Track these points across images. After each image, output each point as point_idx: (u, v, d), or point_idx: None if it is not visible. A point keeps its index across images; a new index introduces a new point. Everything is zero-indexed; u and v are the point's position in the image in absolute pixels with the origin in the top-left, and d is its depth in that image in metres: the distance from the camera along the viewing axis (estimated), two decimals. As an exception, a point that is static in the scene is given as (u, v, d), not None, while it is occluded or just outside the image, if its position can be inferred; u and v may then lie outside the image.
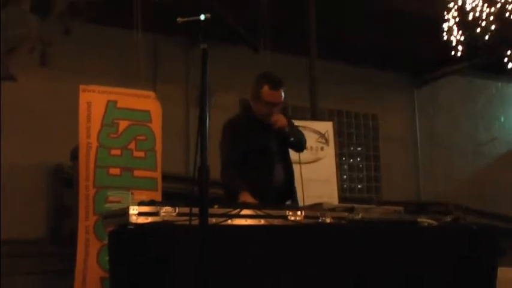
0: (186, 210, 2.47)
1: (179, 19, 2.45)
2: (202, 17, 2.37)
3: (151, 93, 4.94)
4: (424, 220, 3.16)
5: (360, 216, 2.99)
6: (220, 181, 3.63)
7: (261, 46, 8.35)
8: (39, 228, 7.61)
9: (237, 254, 2.55)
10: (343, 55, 10.00)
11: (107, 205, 4.42)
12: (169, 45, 9.17)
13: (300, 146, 3.84)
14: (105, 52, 8.50)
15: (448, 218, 3.36)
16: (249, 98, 3.75)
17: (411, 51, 10.12)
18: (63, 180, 7.49)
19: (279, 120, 3.61)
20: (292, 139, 3.68)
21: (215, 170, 3.15)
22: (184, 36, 8.96)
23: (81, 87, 4.63)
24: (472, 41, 8.42)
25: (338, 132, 10.50)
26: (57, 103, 7.77)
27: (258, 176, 3.54)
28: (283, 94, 3.64)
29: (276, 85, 3.62)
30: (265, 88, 3.61)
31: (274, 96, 3.61)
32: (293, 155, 3.90)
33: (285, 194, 3.69)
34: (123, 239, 2.48)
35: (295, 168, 3.86)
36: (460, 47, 8.46)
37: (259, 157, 3.63)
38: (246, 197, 3.38)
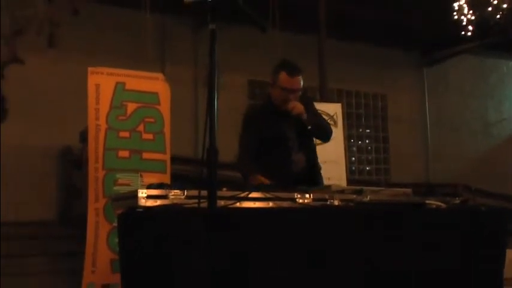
0: (195, 193, 2.48)
1: (186, -1, 2.44)
2: (210, -3, 2.36)
3: (160, 75, 4.94)
4: (433, 202, 3.15)
5: (368, 198, 2.98)
6: (238, 169, 3.67)
7: (270, 26, 8.30)
8: (48, 210, 7.69)
9: (245, 236, 2.57)
10: (352, 34, 9.94)
11: (116, 188, 4.44)
12: (178, 26, 9.15)
13: (322, 134, 3.80)
14: (114, 33, 8.50)
15: (457, 200, 3.35)
16: (269, 85, 3.75)
17: (421, 29, 10.04)
18: (72, 162, 7.54)
19: (296, 107, 3.59)
20: (309, 127, 3.64)
21: (224, 152, 3.16)
22: (193, 16, 8.93)
23: (90, 69, 4.63)
24: (483, 20, 8.34)
25: (347, 114, 10.47)
26: (65, 85, 7.80)
27: (276, 164, 3.54)
28: (301, 82, 3.64)
29: (293, 71, 3.62)
30: (283, 74, 3.61)
31: (292, 83, 3.60)
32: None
33: (307, 181, 3.61)
34: (132, 221, 2.50)
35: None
36: (470, 27, 8.39)
37: (276, 145, 3.63)
38: (258, 178, 3.38)
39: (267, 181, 3.36)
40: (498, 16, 8.21)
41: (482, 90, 12.43)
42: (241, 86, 9.49)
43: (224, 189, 2.65)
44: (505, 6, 8.10)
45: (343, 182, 6.32)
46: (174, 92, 4.88)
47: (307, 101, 3.77)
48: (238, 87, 9.30)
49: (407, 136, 11.46)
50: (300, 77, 3.64)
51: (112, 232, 4.35)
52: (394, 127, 11.42)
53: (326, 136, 3.83)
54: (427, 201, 3.15)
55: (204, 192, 2.27)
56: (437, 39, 10.62)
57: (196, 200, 2.41)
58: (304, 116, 3.62)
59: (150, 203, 2.49)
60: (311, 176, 3.73)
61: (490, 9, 8.17)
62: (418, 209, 3.10)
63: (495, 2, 8.09)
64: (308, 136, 3.77)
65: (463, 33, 8.52)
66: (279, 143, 3.65)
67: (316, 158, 3.84)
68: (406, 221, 3.01)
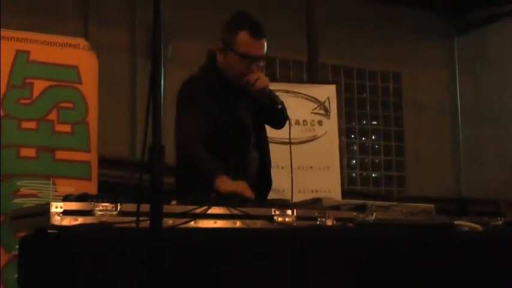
0: (132, 207, 2.49)
1: None
2: None
3: (82, 41, 4.92)
4: (464, 223, 3.20)
5: (373, 217, 3.03)
6: (181, 164, 3.61)
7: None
8: None
9: (202, 268, 2.58)
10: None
11: (17, 200, 4.43)
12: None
13: (284, 119, 3.82)
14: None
15: (499, 221, 3.41)
16: (217, 49, 3.70)
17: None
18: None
19: (260, 78, 3.58)
20: (280, 106, 3.63)
21: (172, 151, 3.18)
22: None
23: (-22, 31, 4.60)
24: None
25: (345, 99, 10.55)
26: None
27: (229, 165, 3.48)
28: (265, 46, 3.62)
29: (258, 31, 3.58)
30: (243, 35, 3.56)
31: (255, 47, 3.58)
32: (278, 132, 3.92)
33: (261, 188, 3.67)
34: (42, 248, 2.49)
35: (282, 150, 3.89)
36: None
37: (230, 137, 3.61)
38: (227, 184, 3.29)
39: (246, 189, 3.28)
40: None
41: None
42: (197, 57, 9.48)
43: (173, 202, 2.66)
44: None
45: (338, 195, 6.37)
46: (102, 65, 4.87)
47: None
48: (192, 59, 9.29)
49: (431, 131, 11.57)
50: (265, 40, 3.61)
51: (9, 264, 4.33)
52: (412, 118, 11.52)
53: (284, 122, 3.85)
54: (457, 222, 3.20)
55: (146, 207, 2.28)
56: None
57: (134, 218, 2.41)
58: (269, 92, 3.61)
59: (68, 221, 2.49)
60: (266, 183, 3.78)
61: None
62: (444, 232, 3.15)
63: None
64: (262, 124, 3.81)
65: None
66: (234, 135, 3.63)
67: (269, 156, 3.86)
68: (426, 249, 3.06)
